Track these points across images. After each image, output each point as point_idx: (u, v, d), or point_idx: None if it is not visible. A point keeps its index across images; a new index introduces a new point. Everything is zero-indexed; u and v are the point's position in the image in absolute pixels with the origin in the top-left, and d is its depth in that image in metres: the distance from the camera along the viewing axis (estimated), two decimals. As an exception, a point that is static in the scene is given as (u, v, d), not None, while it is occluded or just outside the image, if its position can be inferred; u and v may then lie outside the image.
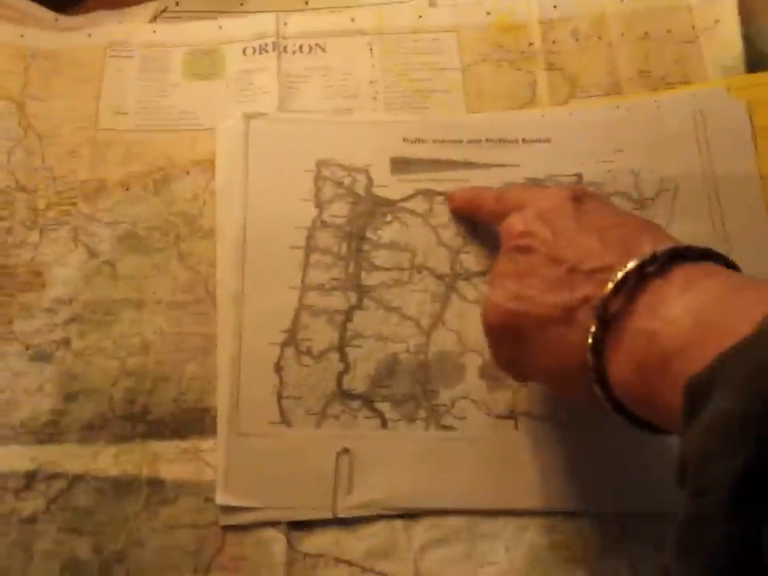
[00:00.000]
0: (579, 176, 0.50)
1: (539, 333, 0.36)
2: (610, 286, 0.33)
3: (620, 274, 0.33)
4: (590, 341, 0.33)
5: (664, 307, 0.31)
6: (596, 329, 0.33)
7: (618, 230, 0.36)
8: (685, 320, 0.30)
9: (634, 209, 0.49)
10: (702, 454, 0.25)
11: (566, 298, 0.35)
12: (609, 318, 0.33)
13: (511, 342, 0.38)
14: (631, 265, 0.33)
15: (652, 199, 0.50)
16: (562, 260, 0.36)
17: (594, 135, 0.51)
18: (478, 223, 0.48)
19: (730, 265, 0.34)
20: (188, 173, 0.51)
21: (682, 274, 0.32)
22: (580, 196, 0.39)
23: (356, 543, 0.43)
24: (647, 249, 0.33)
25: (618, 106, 0.52)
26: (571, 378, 0.36)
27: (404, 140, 0.51)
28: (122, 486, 0.43)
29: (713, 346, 0.27)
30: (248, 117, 0.51)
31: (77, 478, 0.43)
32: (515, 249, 0.39)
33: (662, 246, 0.33)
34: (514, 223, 0.39)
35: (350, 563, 0.42)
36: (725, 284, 0.31)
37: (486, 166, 0.50)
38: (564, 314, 0.35)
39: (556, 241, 0.37)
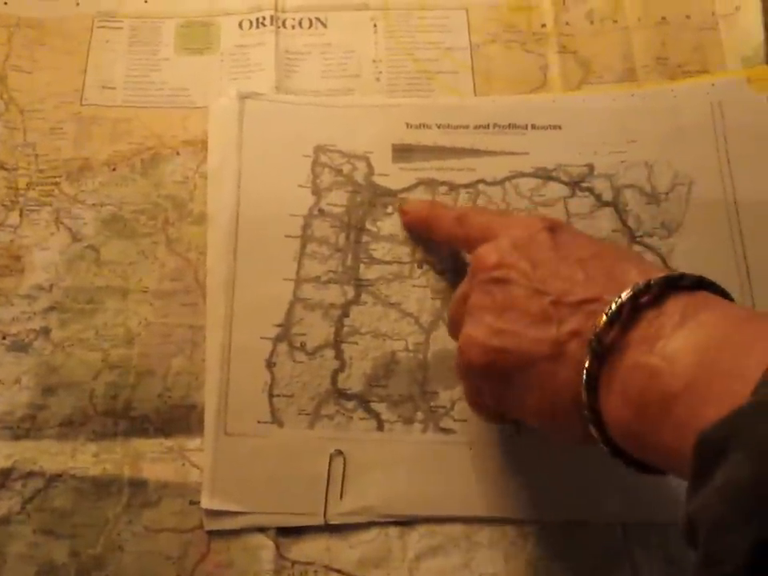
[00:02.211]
0: (590, 166, 0.48)
1: (526, 370, 0.34)
2: (604, 317, 0.31)
3: (614, 305, 0.31)
4: (584, 376, 0.31)
5: (662, 341, 0.29)
6: (590, 363, 0.31)
7: (600, 261, 0.34)
8: (687, 358, 0.28)
9: (648, 203, 0.47)
10: (714, 521, 0.23)
11: (554, 332, 0.33)
12: (603, 352, 0.31)
13: (496, 380, 0.35)
14: (625, 295, 0.31)
15: (666, 194, 0.47)
16: (544, 292, 0.34)
17: (607, 124, 0.49)
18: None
19: (725, 294, 0.32)
20: (178, 153, 0.48)
21: (677, 304, 0.30)
22: (554, 226, 0.37)
23: (348, 551, 0.40)
24: (636, 278, 0.32)
25: (632, 94, 0.50)
26: (563, 418, 0.33)
27: (407, 125, 0.49)
28: (101, 487, 0.41)
29: (720, 390, 0.26)
30: (243, 96, 0.49)
31: (54, 477, 0.41)
32: (491, 281, 0.36)
33: (654, 275, 0.31)
34: (488, 253, 0.36)
35: (340, 572, 0.40)
36: (725, 318, 0.29)
37: (493, 153, 0.48)
38: (552, 349, 0.33)
39: (536, 272, 0.35)
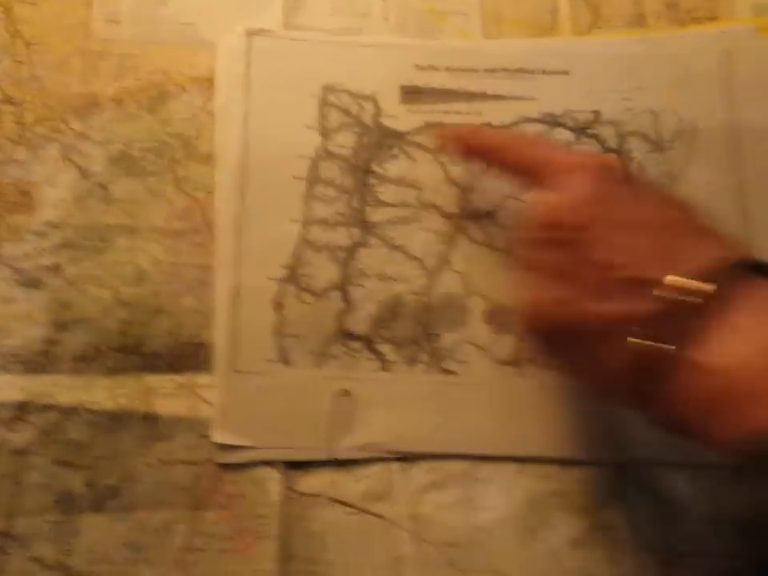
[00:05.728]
0: (597, 113, 0.48)
1: (588, 342, 0.33)
2: (661, 306, 0.31)
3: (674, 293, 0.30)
4: (641, 364, 0.31)
5: (733, 338, 0.29)
6: (649, 353, 0.31)
7: (669, 231, 0.33)
8: (759, 361, 0.28)
9: (651, 151, 0.47)
10: None
11: (612, 308, 0.32)
12: (663, 342, 0.30)
13: (563, 344, 0.36)
14: (693, 284, 0.30)
15: (670, 141, 0.48)
16: (605, 263, 0.33)
17: (616, 70, 0.49)
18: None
19: None
20: (185, 90, 0.48)
21: (745, 296, 0.30)
22: (623, 177, 0.36)
23: (353, 484, 0.42)
24: (703, 259, 0.31)
25: (642, 40, 0.50)
26: (623, 390, 0.33)
27: (416, 66, 0.48)
28: (116, 420, 0.42)
29: None
30: (251, 33, 0.48)
31: (70, 411, 0.42)
32: (552, 241, 0.35)
33: (720, 259, 0.31)
34: (550, 209, 0.36)
35: (345, 504, 0.42)
36: None
37: (501, 98, 0.48)
38: (609, 327, 0.32)
39: (601, 234, 0.34)
